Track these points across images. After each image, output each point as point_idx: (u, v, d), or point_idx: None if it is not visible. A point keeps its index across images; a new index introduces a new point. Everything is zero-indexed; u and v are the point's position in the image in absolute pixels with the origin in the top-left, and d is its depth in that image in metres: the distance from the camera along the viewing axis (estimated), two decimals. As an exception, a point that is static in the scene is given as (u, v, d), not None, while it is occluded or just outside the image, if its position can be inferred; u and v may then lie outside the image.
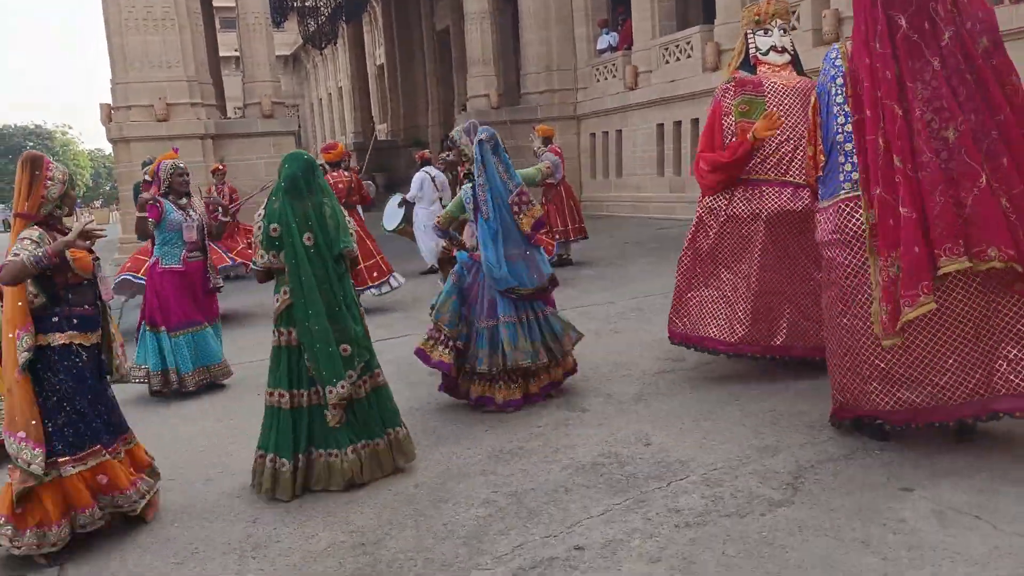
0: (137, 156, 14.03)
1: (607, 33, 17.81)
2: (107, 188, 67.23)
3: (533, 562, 3.00)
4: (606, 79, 17.46)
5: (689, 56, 14.62)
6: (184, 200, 5.88)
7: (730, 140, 4.88)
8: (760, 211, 4.79)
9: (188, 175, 5.91)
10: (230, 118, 20.24)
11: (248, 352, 6.60)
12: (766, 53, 5.05)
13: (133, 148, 15.23)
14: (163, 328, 5.68)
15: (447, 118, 26.36)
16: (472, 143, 4.91)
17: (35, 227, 3.39)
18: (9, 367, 3.37)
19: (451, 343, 4.75)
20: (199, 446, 4.68)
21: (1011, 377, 3.39)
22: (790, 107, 4.84)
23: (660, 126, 15.65)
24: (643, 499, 3.43)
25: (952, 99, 3.34)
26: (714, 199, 4.96)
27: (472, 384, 4.82)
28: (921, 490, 3.27)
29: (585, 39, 18.18)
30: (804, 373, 4.84)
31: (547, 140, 10.29)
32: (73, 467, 3.34)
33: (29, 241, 3.31)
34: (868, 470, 3.51)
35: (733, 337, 4.84)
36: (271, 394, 3.86)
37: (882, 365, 3.56)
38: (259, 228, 3.85)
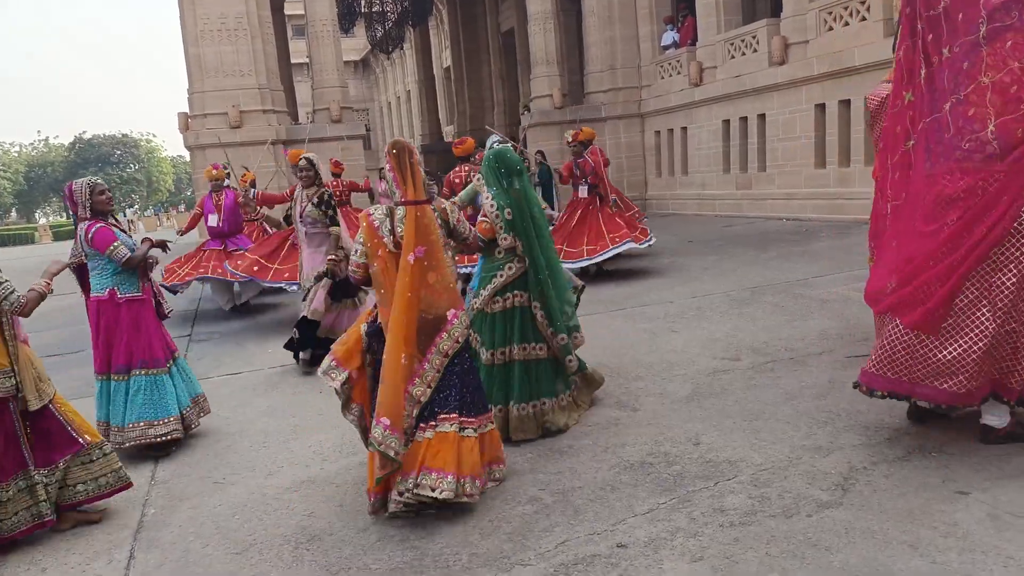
0: (212, 162, 14.60)
1: (671, 30, 17.64)
2: (188, 193, 69.98)
3: (576, 559, 3.04)
4: (670, 76, 17.30)
5: (755, 51, 14.36)
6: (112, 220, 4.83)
7: None
8: None
9: (109, 192, 4.79)
10: (301, 123, 20.77)
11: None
12: None
13: (209, 154, 15.83)
14: (106, 373, 4.77)
15: (512, 119, 26.50)
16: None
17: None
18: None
19: None
20: (261, 442, 4.86)
21: None
22: None
23: (726, 122, 15.42)
24: (689, 498, 3.42)
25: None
26: None
27: None
28: (978, 493, 3.18)
29: (649, 37, 18.05)
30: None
31: (584, 144, 9.43)
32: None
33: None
34: (924, 472, 3.42)
35: None
36: (493, 355, 4.35)
37: None
38: (495, 216, 4.27)
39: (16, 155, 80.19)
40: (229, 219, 9.42)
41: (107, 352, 4.72)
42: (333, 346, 3.81)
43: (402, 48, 33.47)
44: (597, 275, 9.36)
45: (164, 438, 4.72)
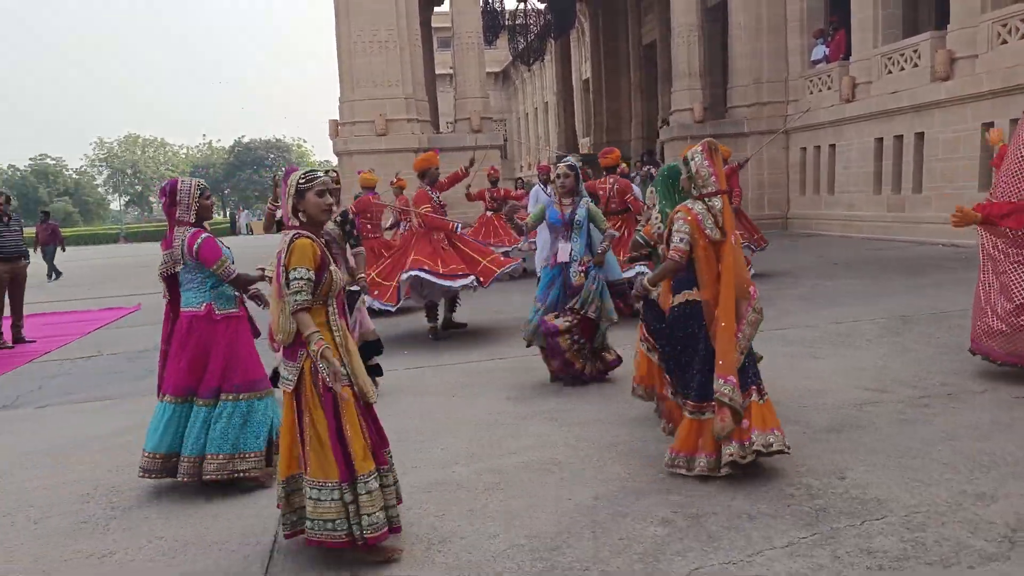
0: (359, 168, 15.25)
1: (821, 43, 16.95)
2: (332, 197, 73.17)
3: (709, 587, 2.94)
4: (819, 91, 16.63)
5: (916, 65, 13.59)
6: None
7: None
8: None
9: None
10: (442, 133, 21.36)
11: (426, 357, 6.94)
12: None
13: (356, 160, 16.54)
14: (182, 396, 4.24)
15: (649, 132, 26.21)
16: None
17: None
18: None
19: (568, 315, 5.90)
20: (395, 440, 4.97)
21: None
22: None
23: (879, 141, 14.65)
24: (833, 536, 3.24)
25: None
26: None
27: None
28: None
29: (798, 50, 17.46)
30: (1033, 416, 4.37)
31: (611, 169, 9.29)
32: None
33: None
34: (1106, 531, 3.09)
35: None
36: None
37: None
38: (659, 225, 4.71)
39: (184, 156, 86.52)
40: None
41: (191, 373, 4.19)
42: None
43: (543, 60, 33.84)
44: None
45: (243, 474, 4.17)
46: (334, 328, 3.28)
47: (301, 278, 3.13)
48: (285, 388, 3.29)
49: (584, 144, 32.90)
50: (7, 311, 9.41)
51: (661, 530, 3.42)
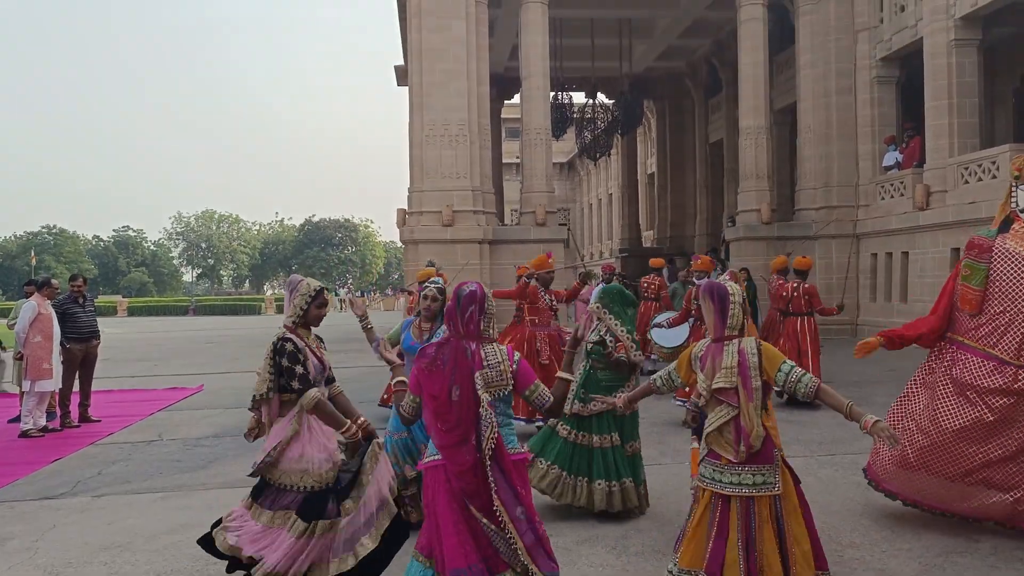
0: (423, 256, 15.47)
1: (893, 149, 16.79)
2: (395, 277, 74.89)
3: None
4: (892, 197, 16.38)
5: (994, 176, 13.32)
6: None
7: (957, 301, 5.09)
8: (955, 376, 4.94)
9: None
10: (507, 224, 21.61)
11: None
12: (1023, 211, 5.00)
13: (420, 249, 16.79)
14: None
15: (714, 228, 26.09)
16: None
17: None
18: None
19: None
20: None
21: None
22: (1018, 277, 4.76)
23: (956, 251, 14.22)
24: None
25: None
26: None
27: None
28: None
29: (869, 155, 17.32)
30: None
31: (702, 275, 9.95)
32: None
33: None
34: None
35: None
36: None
37: None
38: (627, 338, 5.36)
39: (256, 232, 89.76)
40: None
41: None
42: None
43: (608, 155, 34.32)
44: (795, 403, 8.86)
45: None
46: None
47: (792, 367, 3.50)
48: (770, 492, 3.47)
49: (647, 237, 32.92)
50: (76, 388, 9.63)
51: None
